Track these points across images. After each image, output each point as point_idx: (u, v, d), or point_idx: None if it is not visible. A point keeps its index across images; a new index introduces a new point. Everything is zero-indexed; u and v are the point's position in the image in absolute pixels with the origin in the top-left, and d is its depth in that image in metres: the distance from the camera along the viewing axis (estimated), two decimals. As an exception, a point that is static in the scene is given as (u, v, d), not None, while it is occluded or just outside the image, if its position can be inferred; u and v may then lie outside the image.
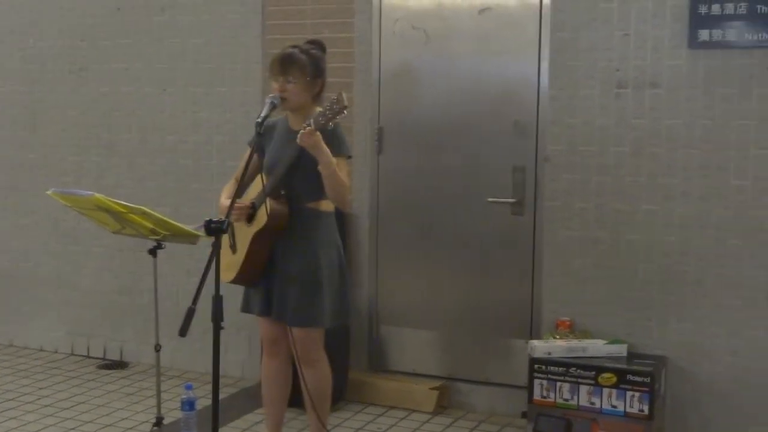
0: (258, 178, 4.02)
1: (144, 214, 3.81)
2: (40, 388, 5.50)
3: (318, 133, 3.74)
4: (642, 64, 4.66)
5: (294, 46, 4.04)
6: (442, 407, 5.16)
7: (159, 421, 4.11)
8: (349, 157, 4.07)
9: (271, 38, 5.39)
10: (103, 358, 6.11)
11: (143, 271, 5.81)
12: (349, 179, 4.01)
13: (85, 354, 6.18)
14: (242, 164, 4.13)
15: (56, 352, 6.27)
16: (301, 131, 3.74)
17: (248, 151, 4.09)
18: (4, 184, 6.33)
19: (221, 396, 5.31)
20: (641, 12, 4.63)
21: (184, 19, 5.69)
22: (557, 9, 4.79)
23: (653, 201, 4.69)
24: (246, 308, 4.21)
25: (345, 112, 3.73)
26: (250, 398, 5.19)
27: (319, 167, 3.80)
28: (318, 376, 4.13)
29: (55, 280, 6.24)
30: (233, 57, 5.59)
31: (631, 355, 4.65)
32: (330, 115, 3.71)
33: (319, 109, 3.96)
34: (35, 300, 6.32)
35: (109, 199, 3.81)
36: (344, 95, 3.73)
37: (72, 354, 6.22)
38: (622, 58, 4.69)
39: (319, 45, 4.10)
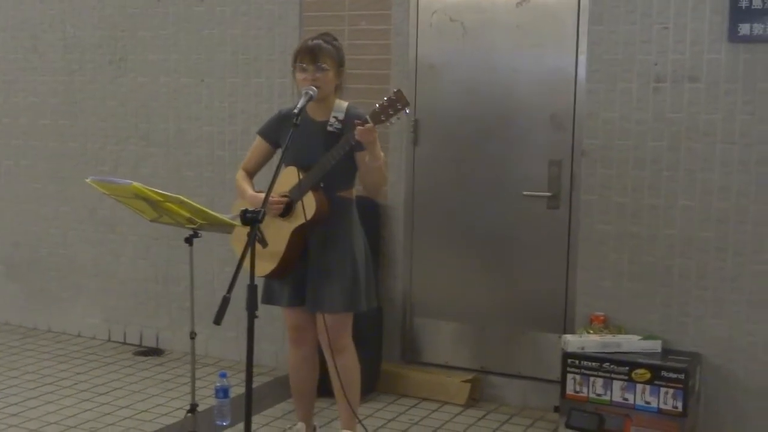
0: (287, 171, 4.02)
1: (181, 203, 3.84)
2: (78, 374, 5.58)
3: (376, 130, 3.78)
4: (681, 57, 4.62)
5: (316, 38, 4.05)
6: (474, 400, 5.16)
7: (193, 408, 4.15)
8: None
9: (308, 29, 5.39)
10: (140, 345, 6.18)
11: (178, 259, 5.89)
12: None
13: (122, 341, 6.25)
14: (252, 153, 4.20)
15: (94, 338, 6.35)
16: (360, 130, 3.75)
17: (258, 139, 4.15)
18: (45, 172, 6.41)
19: (255, 384, 5.38)
20: (680, 5, 4.59)
21: (222, 10, 5.73)
22: (595, 1, 4.76)
23: (691, 196, 4.65)
24: (268, 300, 4.22)
25: (407, 110, 3.76)
26: (283, 387, 5.20)
27: (368, 159, 3.84)
28: (347, 363, 4.16)
29: (92, 267, 6.32)
30: (270, 48, 5.62)
31: (666, 352, 4.62)
32: (392, 113, 3.74)
33: (339, 100, 3.99)
34: (73, 287, 6.40)
35: (147, 187, 3.85)
36: (403, 91, 3.75)
37: (109, 340, 6.29)
38: (661, 52, 4.65)
39: (335, 38, 4.14)
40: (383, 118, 3.76)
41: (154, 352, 6.05)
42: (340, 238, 4.01)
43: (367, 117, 3.78)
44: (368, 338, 5.06)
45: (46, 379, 5.46)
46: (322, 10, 5.44)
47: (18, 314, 6.63)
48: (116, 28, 6.06)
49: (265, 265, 4.05)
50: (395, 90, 3.80)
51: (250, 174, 4.20)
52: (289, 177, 4.00)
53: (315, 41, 4.03)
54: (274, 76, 5.61)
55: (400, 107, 3.74)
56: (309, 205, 3.92)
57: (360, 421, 4.26)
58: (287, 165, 4.01)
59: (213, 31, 5.77)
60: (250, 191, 4.11)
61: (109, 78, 6.12)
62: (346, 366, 4.17)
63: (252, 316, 3.56)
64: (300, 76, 4.01)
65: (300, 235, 3.99)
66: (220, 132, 5.81)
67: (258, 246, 4.06)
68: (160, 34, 5.93)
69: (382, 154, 3.87)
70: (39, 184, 6.44)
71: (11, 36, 6.43)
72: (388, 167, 5.25)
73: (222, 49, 5.76)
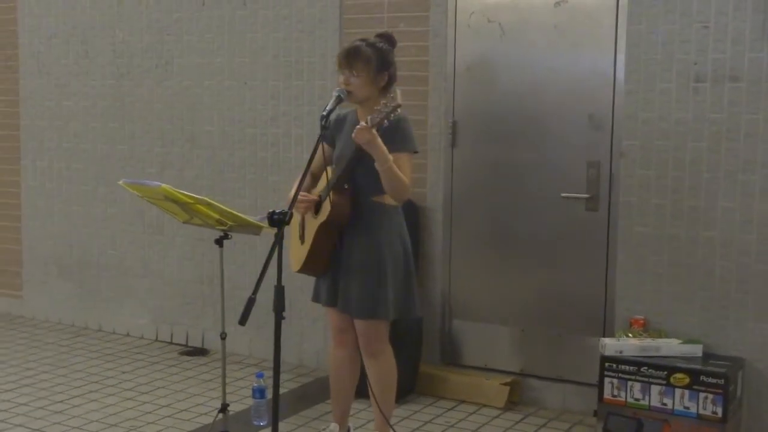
0: (326, 170, 4.07)
1: (208, 205, 3.89)
2: (123, 372, 5.68)
3: (373, 130, 3.75)
4: (721, 57, 4.53)
5: (362, 40, 4.06)
6: (512, 403, 5.13)
7: (224, 408, 4.19)
8: (415, 152, 4.06)
9: (349, 32, 5.43)
10: (186, 345, 6.27)
11: (223, 260, 5.93)
12: (410, 174, 4.00)
13: (169, 340, 6.35)
14: (312, 154, 4.19)
15: (142, 337, 6.46)
16: (354, 130, 3.76)
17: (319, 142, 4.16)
18: (95, 174, 6.55)
19: (295, 386, 5.45)
20: (721, 4, 4.51)
21: (265, 13, 5.79)
22: (633, 1, 4.69)
23: (731, 198, 4.56)
24: (316, 298, 4.28)
25: (399, 110, 3.74)
26: (323, 388, 5.23)
27: (375, 164, 3.82)
28: (381, 368, 4.15)
29: (140, 268, 6.43)
30: (311, 51, 5.66)
31: (707, 356, 4.54)
32: (385, 113, 3.73)
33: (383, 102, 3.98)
34: (122, 287, 6.53)
35: (176, 189, 3.91)
36: (398, 92, 3.74)
37: (156, 340, 6.40)
38: (701, 51, 4.57)
39: (387, 38, 4.11)
40: (378, 119, 3.75)
41: (200, 352, 6.13)
42: (369, 243, 4.00)
43: (368, 118, 3.78)
44: (407, 340, 5.06)
45: (92, 377, 5.57)
46: (361, 13, 5.47)
47: (70, 313, 6.78)
48: (163, 32, 6.17)
49: (299, 261, 4.12)
50: (392, 91, 3.79)
51: (315, 175, 4.20)
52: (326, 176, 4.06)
53: (354, 44, 4.04)
54: (315, 79, 5.65)
55: (391, 108, 3.73)
56: (328, 204, 3.95)
57: (392, 427, 4.26)
58: (335, 166, 4.07)
59: (256, 35, 5.83)
60: (291, 191, 4.15)
61: (156, 81, 6.23)
62: (381, 371, 4.16)
63: (279, 317, 3.60)
64: (339, 78, 4.04)
65: (324, 233, 4.00)
66: (262, 134, 5.87)
67: (298, 242, 4.14)
68: (204, 38, 6.01)
69: (390, 157, 3.84)
70: (89, 186, 6.58)
71: (63, 41, 6.57)
72: (426, 169, 5.27)
73: (264, 52, 5.81)
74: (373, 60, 3.99)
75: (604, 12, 4.81)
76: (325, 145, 4.17)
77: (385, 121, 3.73)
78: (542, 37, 5.00)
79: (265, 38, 5.81)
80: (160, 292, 6.37)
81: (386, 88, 4.06)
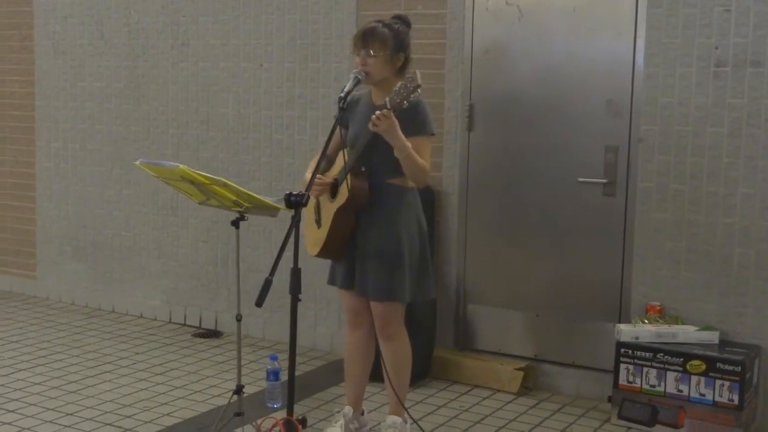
0: (341, 153, 4.05)
1: (225, 185, 3.87)
2: (137, 353, 5.68)
3: (393, 117, 3.72)
4: (743, 41, 4.48)
5: (378, 21, 4.04)
6: (526, 388, 5.10)
7: (239, 390, 4.18)
8: (432, 134, 4.04)
9: (365, 14, 5.39)
10: (199, 327, 6.27)
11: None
12: (430, 157, 3.98)
13: (182, 322, 6.35)
14: (328, 137, 4.17)
15: (155, 319, 6.46)
16: (374, 116, 3.73)
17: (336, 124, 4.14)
18: (110, 156, 6.54)
19: (309, 368, 5.44)
20: (743, -13, 4.46)
21: (281, -6, 5.76)
22: (654, -16, 4.65)
23: (751, 184, 4.52)
24: (332, 281, 4.27)
25: (419, 91, 3.71)
26: (337, 371, 5.22)
27: (395, 152, 3.80)
28: (396, 351, 4.14)
29: (154, 249, 6.43)
30: (327, 32, 5.62)
31: (723, 343, 4.52)
32: (405, 94, 3.70)
33: (400, 83, 3.95)
34: (136, 268, 6.53)
35: (193, 170, 3.89)
36: (418, 73, 3.71)
37: (170, 322, 6.40)
38: (722, 35, 4.52)
39: (403, 20, 4.08)
40: (398, 100, 3.71)
41: (213, 333, 6.13)
42: (386, 225, 3.98)
43: (386, 101, 3.75)
44: (421, 324, 5.04)
45: (106, 358, 5.57)
46: (378, -5, 5.43)
47: (83, 294, 6.78)
48: (178, 13, 6.14)
49: (316, 245, 4.11)
50: (411, 71, 3.75)
51: (330, 157, 4.18)
52: (342, 159, 4.03)
53: (370, 25, 4.01)
54: (331, 61, 5.62)
55: (412, 89, 3.69)
56: (345, 188, 3.93)
57: (406, 409, 4.25)
58: (349, 148, 4.03)
59: (271, 16, 5.80)
60: (307, 172, 4.13)
61: (171, 63, 6.21)
62: (396, 353, 4.15)
63: (295, 300, 3.59)
64: (355, 59, 4.01)
65: (342, 216, 3.98)
66: (278, 116, 5.85)
67: (314, 226, 4.12)
68: (220, 19, 5.98)
69: (408, 144, 3.80)
70: (104, 167, 6.57)
71: (79, 22, 6.55)
72: (442, 152, 5.24)
73: (280, 34, 5.78)
74: (389, 40, 3.97)
75: (624, -5, 4.77)
76: (338, 128, 4.15)
77: (405, 102, 3.70)
78: (561, 21, 4.96)
79: (280, 20, 5.78)
80: (174, 274, 6.36)
81: (402, 70, 4.04)
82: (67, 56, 6.64)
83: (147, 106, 6.34)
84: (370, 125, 3.75)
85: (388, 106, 3.71)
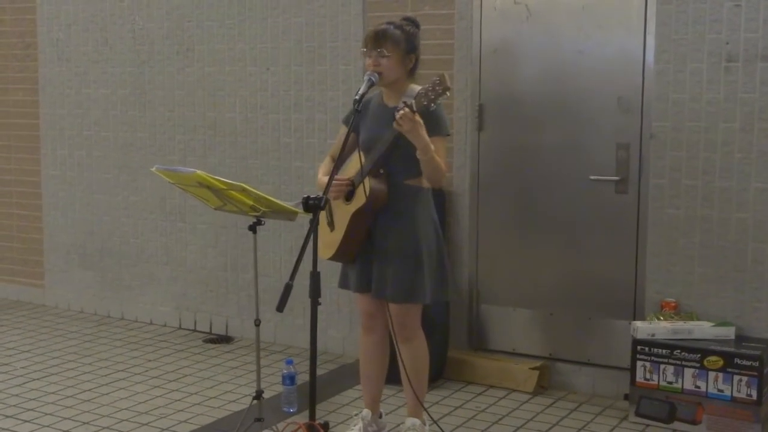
0: (355, 156, 4.03)
1: (244, 190, 3.86)
2: (149, 360, 5.66)
3: (417, 117, 3.71)
4: (753, 36, 4.48)
5: (388, 22, 4.03)
6: (542, 387, 5.10)
7: (259, 395, 4.17)
8: (448, 134, 4.04)
9: (372, 16, 5.38)
10: (209, 333, 6.25)
11: (246, 247, 5.95)
12: (445, 158, 3.98)
13: (192, 328, 6.33)
14: (338, 142, 4.16)
15: (165, 325, 6.44)
16: (398, 115, 3.72)
17: (342, 128, 4.13)
18: (116, 162, 6.52)
19: (322, 372, 5.42)
20: (753, -18, 4.46)
21: (287, -2, 5.76)
22: (663, -20, 4.65)
23: (764, 178, 4.52)
24: (343, 284, 4.25)
25: (448, 93, 3.71)
26: (350, 374, 5.23)
27: (417, 153, 3.79)
28: (414, 352, 4.13)
29: (162, 256, 6.41)
30: (334, 35, 5.61)
31: (740, 338, 4.52)
32: (433, 96, 3.69)
33: (413, 85, 3.95)
34: (144, 275, 6.51)
35: (211, 176, 3.88)
36: (447, 75, 3.70)
37: (180, 328, 6.38)
38: (733, 30, 4.52)
39: (413, 22, 4.09)
40: (425, 102, 3.71)
41: (224, 339, 6.12)
42: (404, 226, 3.98)
43: (412, 102, 3.73)
44: (435, 325, 5.03)
45: (118, 366, 5.56)
46: (385, -4, 5.43)
47: (92, 302, 6.76)
48: (183, 18, 6.13)
49: (329, 249, 4.08)
50: (439, 74, 3.75)
51: (339, 161, 4.16)
52: (357, 161, 4.01)
53: (382, 26, 4.00)
54: (338, 63, 5.61)
55: (440, 91, 3.69)
56: (362, 190, 3.91)
57: (426, 410, 4.24)
58: (360, 149, 4.02)
59: (277, 20, 5.79)
60: (320, 176, 4.12)
61: (177, 68, 6.19)
62: (414, 355, 4.15)
63: (315, 303, 3.59)
64: (366, 60, 4.00)
65: (359, 219, 3.97)
66: (285, 120, 5.84)
67: (327, 229, 4.10)
68: (225, 24, 5.97)
69: (432, 146, 3.79)
70: (110, 174, 6.55)
71: (83, 29, 6.54)
72: (452, 153, 5.23)
73: (286, 37, 5.77)
74: (402, 41, 3.97)
75: (633, -8, 4.77)
76: (346, 131, 4.14)
77: (432, 104, 3.70)
78: (570, 19, 4.95)
79: (286, 23, 5.76)
80: (183, 280, 6.35)
81: (413, 71, 4.05)
82: (71, 63, 6.62)
83: (153, 112, 6.32)
84: (394, 125, 3.74)
85: (414, 108, 3.70)
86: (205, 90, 6.10)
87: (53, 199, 6.85)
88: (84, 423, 4.62)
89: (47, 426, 4.58)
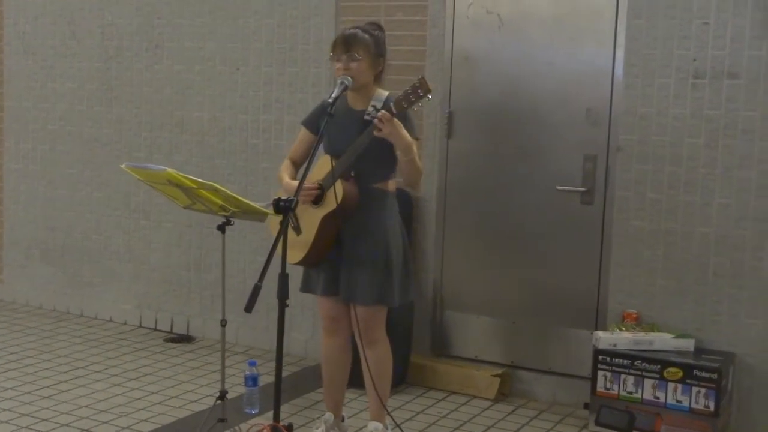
0: (322, 159, 4.03)
1: (214, 190, 3.85)
2: (109, 358, 5.61)
3: (395, 120, 3.74)
4: (720, 54, 4.56)
5: (355, 27, 4.05)
6: (503, 395, 5.13)
7: (223, 395, 4.16)
8: (417, 138, 4.07)
9: (345, 20, 5.39)
10: (170, 332, 6.21)
11: (211, 247, 5.92)
12: (420, 162, 4.02)
13: (153, 327, 6.28)
14: (298, 144, 4.18)
15: (125, 323, 6.39)
16: (376, 120, 3.73)
17: (302, 130, 4.15)
18: (80, 157, 6.46)
19: (284, 374, 5.40)
20: (722, 1, 4.53)
21: (259, -1, 5.74)
22: (634, -5, 4.71)
23: (728, 194, 4.60)
24: (306, 288, 4.23)
25: (430, 96, 3.74)
26: (312, 377, 5.23)
27: (398, 153, 3.81)
28: (379, 356, 4.15)
29: (125, 253, 6.36)
30: (305, 38, 5.61)
31: (699, 351, 4.58)
32: (413, 99, 3.72)
33: (380, 90, 3.98)
34: (106, 272, 6.45)
35: (181, 174, 3.86)
36: (427, 79, 3.72)
37: (140, 326, 6.33)
38: (700, 48, 4.59)
39: (379, 26, 4.13)
40: (405, 105, 3.75)
41: (185, 338, 6.08)
42: (374, 230, 4.00)
43: (391, 105, 3.76)
44: (398, 330, 5.04)
45: (77, 363, 5.50)
46: (358, 1, 5.43)
47: (52, 298, 6.69)
48: (153, 15, 6.09)
49: (297, 253, 4.05)
50: (419, 77, 3.78)
51: (296, 164, 4.19)
52: (324, 165, 4.00)
53: (351, 30, 4.02)
54: (309, 66, 5.61)
55: (422, 94, 3.72)
56: (337, 193, 3.92)
57: (389, 413, 4.25)
58: (326, 153, 4.02)
59: (249, 20, 5.78)
60: (286, 179, 4.11)
61: (145, 65, 6.15)
62: (378, 358, 4.16)
63: (283, 305, 3.58)
64: (336, 64, 4.00)
65: (329, 223, 3.97)
66: (254, 121, 5.82)
67: (292, 233, 4.09)
68: (196, 22, 5.95)
69: (414, 149, 3.83)
70: (74, 169, 6.49)
71: (51, 22, 6.47)
72: (421, 159, 5.24)
73: (257, 38, 5.76)
74: (371, 45, 3.99)
75: (604, 5, 4.82)
76: (308, 134, 4.16)
77: (413, 106, 3.73)
78: (541, 30, 5.00)
79: (258, 24, 5.75)
80: (145, 278, 6.30)
81: (380, 75, 4.07)
82: (37, 56, 6.55)
83: (120, 108, 6.27)
84: (374, 131, 3.76)
85: (394, 110, 3.72)
86: (174, 88, 6.07)
87: (14, 193, 6.77)
88: (43, 420, 4.57)
89: (5, 422, 4.52)
